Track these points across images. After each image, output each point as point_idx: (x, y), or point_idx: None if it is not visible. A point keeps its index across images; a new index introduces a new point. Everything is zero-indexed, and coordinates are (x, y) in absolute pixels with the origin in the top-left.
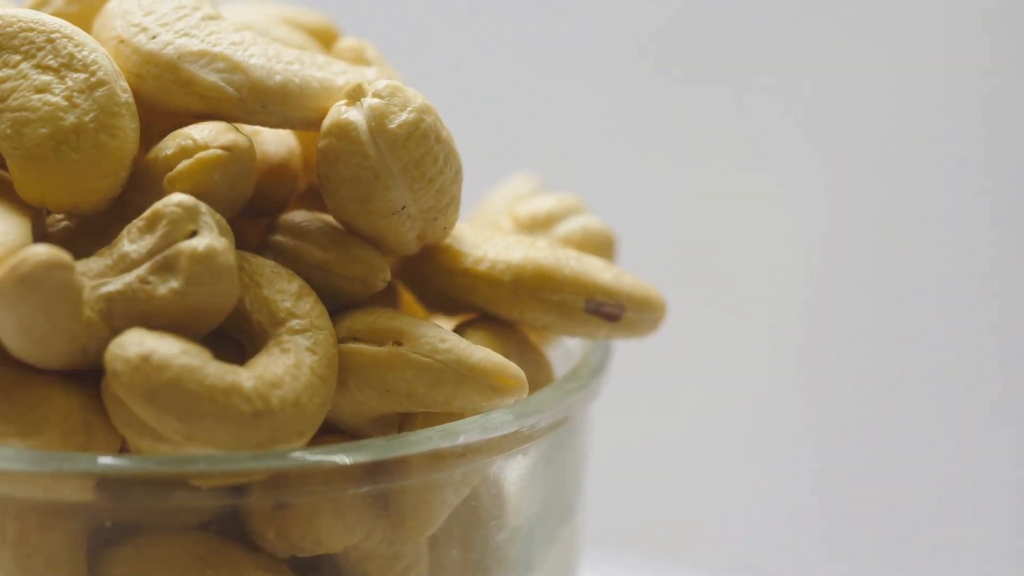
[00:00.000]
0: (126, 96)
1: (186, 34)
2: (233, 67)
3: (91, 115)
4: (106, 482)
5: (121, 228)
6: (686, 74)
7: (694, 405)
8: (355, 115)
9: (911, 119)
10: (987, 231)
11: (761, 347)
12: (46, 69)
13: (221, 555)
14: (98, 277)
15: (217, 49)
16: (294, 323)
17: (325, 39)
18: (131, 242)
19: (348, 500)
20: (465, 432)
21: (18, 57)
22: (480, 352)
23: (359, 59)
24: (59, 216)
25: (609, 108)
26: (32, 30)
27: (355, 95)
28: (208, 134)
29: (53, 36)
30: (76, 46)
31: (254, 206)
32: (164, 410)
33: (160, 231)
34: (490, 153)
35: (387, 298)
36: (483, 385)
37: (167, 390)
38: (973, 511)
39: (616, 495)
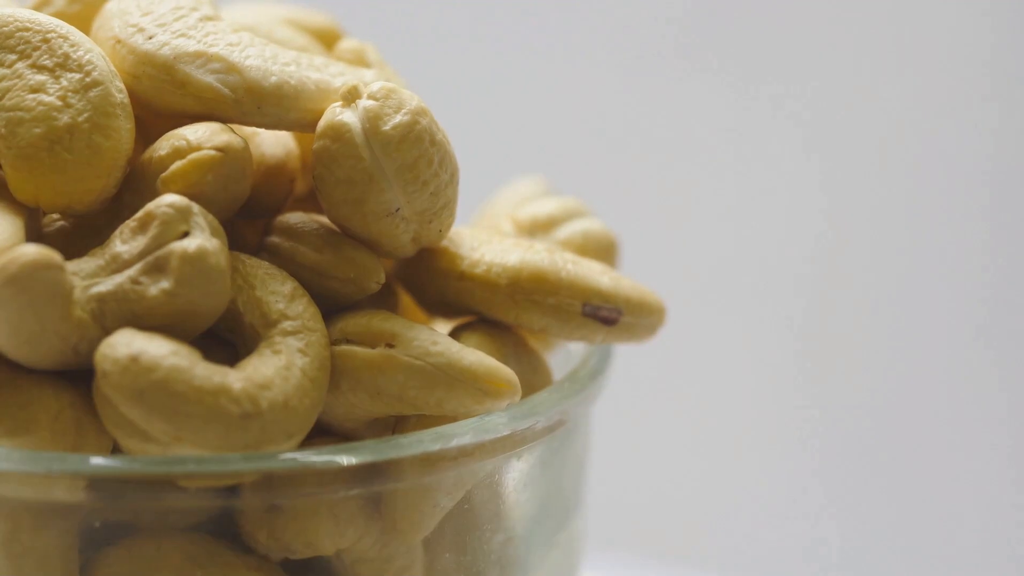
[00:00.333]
0: (121, 97)
1: (183, 35)
2: (229, 68)
3: (85, 115)
4: (97, 482)
5: (116, 228)
6: (687, 76)
7: (695, 405)
8: (350, 117)
9: (911, 120)
10: (987, 231)
11: (762, 348)
12: (41, 69)
13: (213, 556)
14: (90, 277)
15: (213, 50)
16: (286, 325)
17: (329, 40)
18: (123, 243)
19: (340, 502)
20: (458, 435)
21: (13, 57)
22: (472, 355)
23: (360, 61)
24: (55, 216)
25: (614, 109)
26: (28, 30)
27: (350, 97)
28: (202, 135)
29: (49, 36)
30: (72, 46)
31: (251, 207)
32: (152, 411)
33: (152, 232)
34: (497, 155)
35: (386, 301)
36: (475, 388)
37: (155, 391)
38: (973, 511)
39: (616, 495)
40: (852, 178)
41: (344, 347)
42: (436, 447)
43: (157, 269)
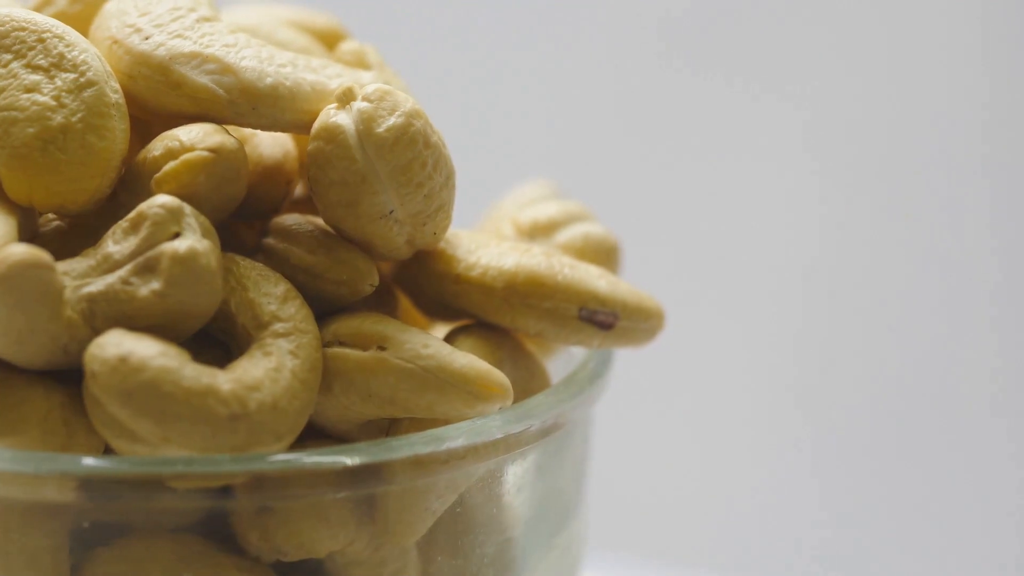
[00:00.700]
0: (116, 97)
1: (179, 35)
2: (224, 69)
3: (79, 115)
4: (86, 483)
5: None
6: (687, 77)
7: (695, 406)
8: (343, 118)
9: (911, 121)
10: (986, 230)
11: (763, 349)
12: (36, 69)
13: (204, 557)
14: (81, 277)
15: (209, 51)
16: (278, 326)
17: (333, 42)
18: (115, 243)
19: (332, 505)
20: (450, 438)
21: (9, 56)
22: (463, 358)
23: (360, 63)
24: (51, 216)
25: (617, 112)
26: (24, 29)
27: (345, 98)
28: (195, 135)
29: (44, 36)
30: (67, 46)
31: (248, 208)
32: (140, 412)
33: (143, 232)
34: (505, 157)
35: (385, 303)
36: (465, 392)
37: (143, 391)
38: (974, 512)
39: (616, 496)
40: (852, 181)
41: (336, 349)
42: (428, 450)
43: (148, 270)
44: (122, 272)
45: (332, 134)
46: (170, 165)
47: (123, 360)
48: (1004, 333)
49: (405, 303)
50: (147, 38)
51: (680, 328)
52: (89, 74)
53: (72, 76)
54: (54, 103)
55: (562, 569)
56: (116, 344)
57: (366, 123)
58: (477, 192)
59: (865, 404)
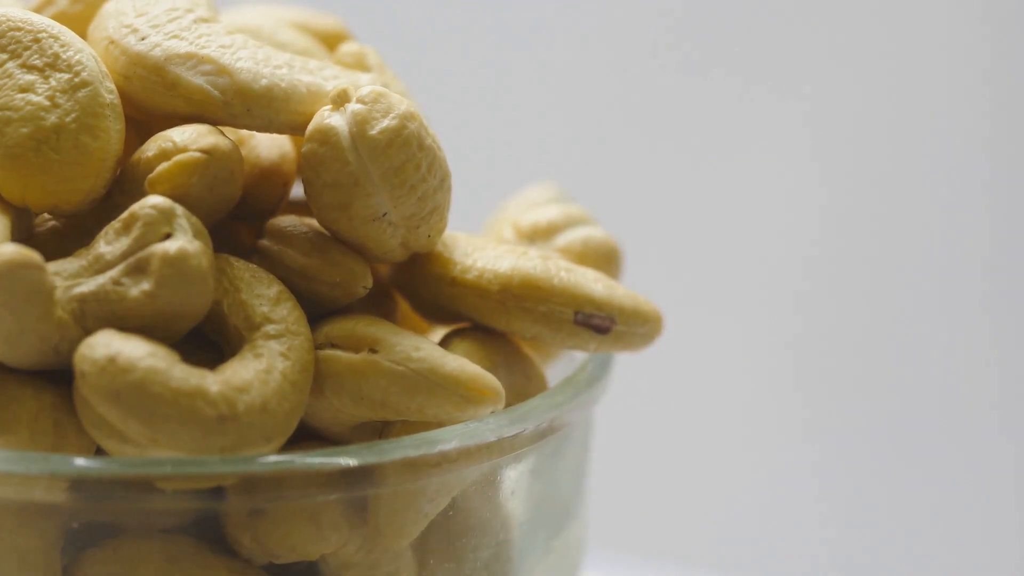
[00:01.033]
0: (111, 97)
1: (175, 36)
2: (219, 70)
3: (72, 115)
4: (77, 483)
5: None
6: (686, 78)
7: (696, 406)
8: (337, 120)
9: (912, 122)
10: (986, 230)
11: (764, 349)
12: (31, 69)
13: (195, 558)
14: (72, 278)
15: (204, 52)
16: (269, 328)
17: (337, 44)
18: (107, 243)
19: (324, 507)
20: (443, 441)
21: (4, 56)
22: (454, 361)
23: (360, 65)
24: (47, 216)
25: (621, 113)
26: (20, 29)
27: (340, 100)
28: (188, 137)
29: (40, 36)
30: (62, 46)
31: (246, 209)
32: (128, 412)
33: (135, 233)
34: (510, 160)
35: (383, 306)
36: (456, 395)
37: (131, 392)
38: (974, 512)
39: (616, 496)
40: (852, 183)
41: (328, 351)
42: (419, 453)
43: (138, 270)
44: (113, 272)
45: (326, 136)
46: (163, 166)
47: (112, 360)
48: (1004, 333)
49: (404, 306)
50: (143, 39)
51: (681, 328)
52: (84, 74)
53: (67, 76)
54: (48, 103)
55: (560, 572)
56: (105, 344)
57: (359, 125)
58: (482, 195)
59: (865, 404)
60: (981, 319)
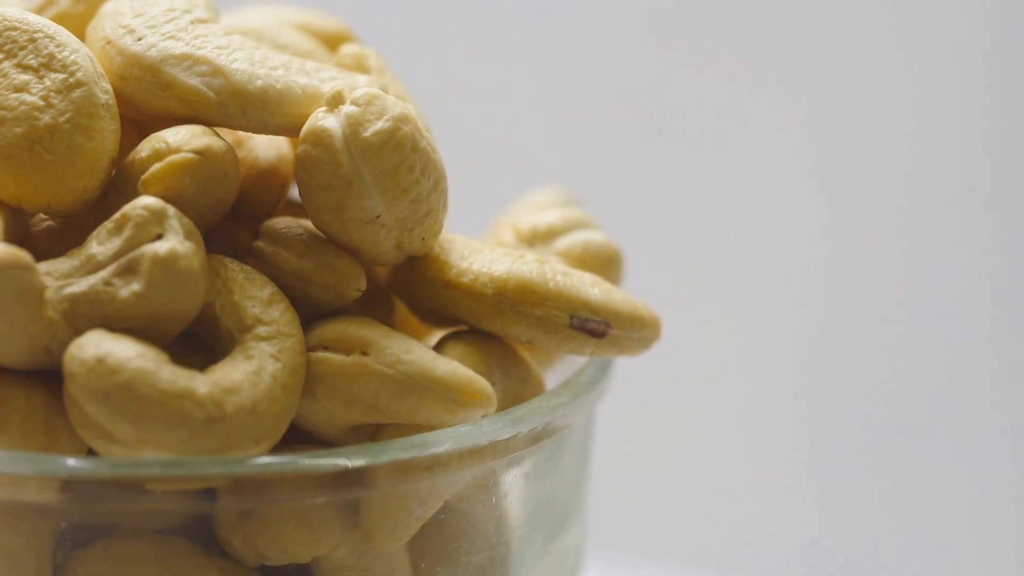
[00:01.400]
0: (106, 98)
1: (172, 37)
2: (215, 71)
3: (66, 116)
4: (68, 484)
5: None
6: (687, 81)
7: (697, 407)
8: (331, 122)
9: (912, 123)
10: (987, 232)
11: (764, 350)
12: (26, 68)
13: (187, 559)
14: (64, 278)
15: (200, 53)
16: (261, 330)
17: (340, 45)
18: (99, 244)
19: (314, 509)
20: (434, 444)
21: (0, 56)
22: (445, 365)
23: (360, 67)
24: (44, 216)
25: (628, 115)
26: (16, 29)
27: (334, 102)
28: (181, 137)
29: (36, 36)
30: (57, 46)
31: (244, 210)
32: (116, 413)
33: (126, 233)
34: (516, 162)
35: (381, 308)
36: (446, 398)
37: (119, 393)
38: (974, 512)
39: (617, 496)
40: (853, 186)
41: (320, 354)
42: (409, 455)
43: (129, 271)
44: (104, 273)
45: (319, 138)
46: (156, 167)
47: (100, 361)
48: (1005, 335)
49: (403, 309)
50: (140, 39)
51: (683, 328)
52: (78, 74)
53: (61, 76)
54: (42, 103)
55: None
56: (95, 345)
57: (353, 127)
58: (487, 198)
59: (865, 405)
60: (981, 320)
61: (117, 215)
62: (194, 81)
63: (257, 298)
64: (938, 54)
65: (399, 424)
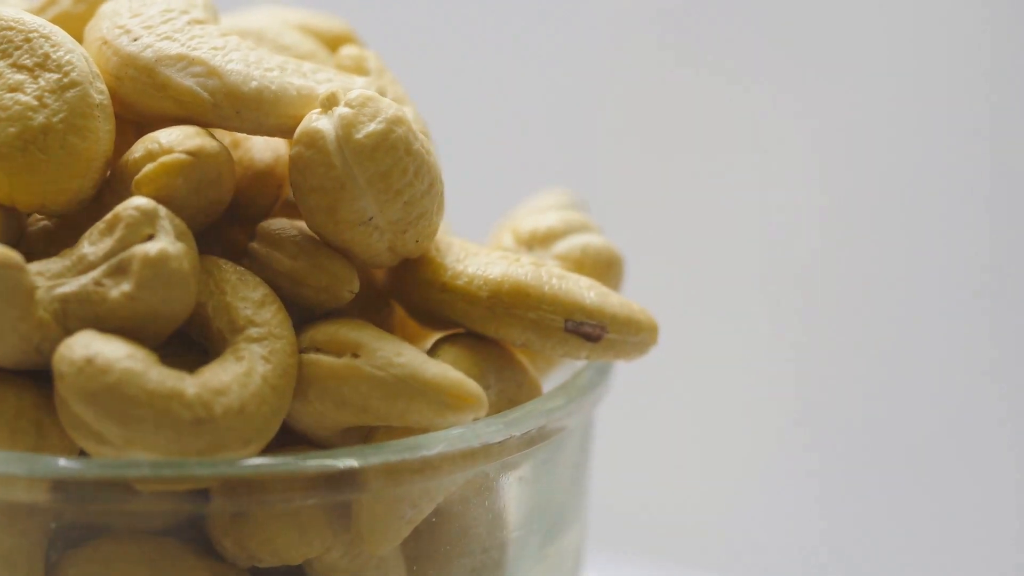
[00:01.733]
0: (101, 98)
1: (167, 37)
2: (209, 72)
3: (60, 116)
4: (58, 484)
5: None
6: (686, 81)
7: (697, 407)
8: (324, 124)
9: (912, 123)
10: (986, 232)
11: (764, 352)
12: (21, 68)
13: (178, 560)
14: (55, 278)
15: (195, 53)
16: (252, 331)
17: (342, 47)
18: (91, 244)
19: (306, 511)
20: (426, 447)
21: None
22: (436, 368)
23: (359, 68)
24: (40, 216)
25: (631, 117)
26: (11, 29)
27: (328, 104)
28: (174, 138)
29: (31, 36)
30: (52, 46)
31: (240, 211)
32: (104, 413)
33: (118, 234)
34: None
35: (380, 311)
36: (436, 401)
37: (107, 393)
38: (974, 513)
39: (616, 496)
40: (852, 187)
41: (311, 355)
42: (400, 458)
43: (120, 272)
44: (95, 273)
45: (312, 139)
46: (148, 167)
47: (89, 361)
48: (1005, 334)
49: (401, 312)
50: (136, 39)
51: (683, 328)
52: (73, 74)
53: (56, 76)
54: (36, 103)
55: None
56: (84, 345)
57: (345, 128)
58: (488, 200)
59: (865, 406)
60: (981, 321)
61: (109, 215)
62: (189, 82)
63: (249, 299)
64: (938, 54)
65: (393, 426)
